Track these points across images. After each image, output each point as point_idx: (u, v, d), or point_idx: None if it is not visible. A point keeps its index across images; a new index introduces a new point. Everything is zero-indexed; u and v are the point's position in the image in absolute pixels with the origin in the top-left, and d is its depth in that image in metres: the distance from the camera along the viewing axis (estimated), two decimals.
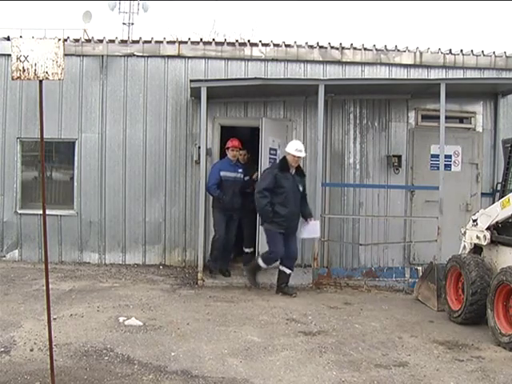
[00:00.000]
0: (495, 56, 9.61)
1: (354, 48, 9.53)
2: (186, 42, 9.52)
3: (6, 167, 9.39)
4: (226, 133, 9.25)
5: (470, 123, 9.70)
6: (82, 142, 9.41)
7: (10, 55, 4.19)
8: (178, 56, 9.44)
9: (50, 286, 4.40)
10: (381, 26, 35.47)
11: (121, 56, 9.41)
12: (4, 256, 9.39)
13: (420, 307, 7.21)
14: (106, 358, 4.91)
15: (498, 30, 37.30)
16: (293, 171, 7.61)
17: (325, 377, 4.68)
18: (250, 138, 9.18)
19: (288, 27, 35.87)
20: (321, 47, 9.52)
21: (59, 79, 4.14)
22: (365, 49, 9.54)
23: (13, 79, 4.13)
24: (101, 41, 9.42)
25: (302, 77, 9.43)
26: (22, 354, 4.90)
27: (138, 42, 9.49)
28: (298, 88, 8.94)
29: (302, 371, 4.78)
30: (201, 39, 9.87)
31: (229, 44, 9.61)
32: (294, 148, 7.54)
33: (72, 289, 7.48)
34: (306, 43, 9.52)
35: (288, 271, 7.59)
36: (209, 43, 9.58)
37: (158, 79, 9.44)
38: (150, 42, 9.46)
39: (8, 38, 9.19)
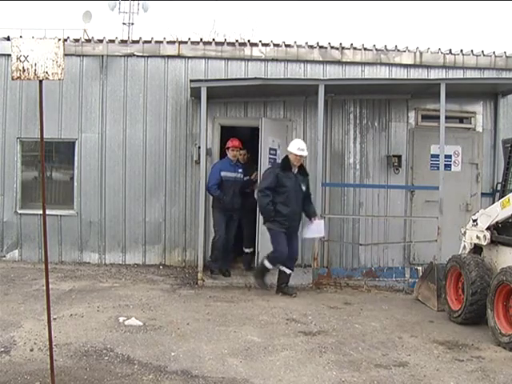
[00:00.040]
0: (495, 56, 9.61)
1: (354, 48, 9.53)
2: (186, 42, 9.52)
3: (6, 167, 9.39)
4: (226, 133, 9.25)
5: (470, 123, 9.70)
6: (82, 142, 9.41)
7: (10, 55, 4.19)
8: (178, 56, 9.44)
9: (50, 286, 4.40)
10: (381, 26, 35.51)
11: (121, 56, 9.41)
12: (4, 256, 9.39)
13: (420, 307, 7.21)
14: (106, 358, 4.91)
15: (498, 30, 37.32)
16: (295, 170, 7.58)
17: (325, 377, 4.68)
18: (249, 138, 9.18)
19: (288, 27, 35.89)
20: (321, 47, 9.52)
21: (59, 79, 4.14)
22: (365, 49, 9.54)
23: (13, 79, 4.13)
24: (101, 41, 9.42)
25: (302, 77, 9.43)
26: (21, 354, 4.90)
27: (138, 41, 9.49)
28: (298, 88, 8.94)
29: (302, 371, 4.78)
30: (201, 39, 9.87)
31: (229, 44, 9.61)
32: (296, 147, 7.53)
33: (72, 289, 7.48)
34: (306, 43, 9.52)
35: (288, 271, 7.59)
36: (209, 43, 9.58)
37: (158, 79, 9.45)
38: (150, 42, 9.46)
39: (8, 38, 9.19)
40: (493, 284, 5.82)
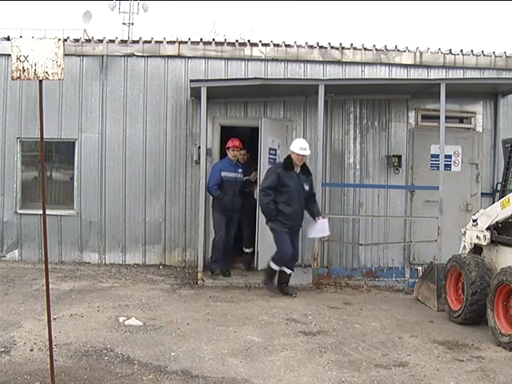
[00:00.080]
0: (495, 56, 9.61)
1: (354, 48, 9.53)
2: (186, 42, 9.52)
3: (6, 167, 9.39)
4: (226, 133, 9.25)
5: (470, 123, 9.70)
6: (82, 142, 9.41)
7: (10, 55, 4.19)
8: (178, 56, 9.44)
9: (50, 286, 4.40)
10: (381, 25, 35.52)
11: (121, 56, 9.41)
12: (4, 256, 9.39)
13: (420, 307, 7.21)
14: (106, 357, 4.91)
15: (498, 30, 37.32)
16: (298, 170, 7.54)
17: (325, 377, 4.68)
18: (249, 138, 9.18)
19: (288, 27, 35.90)
20: (321, 47, 9.52)
21: (59, 79, 4.14)
22: (365, 49, 9.54)
23: (13, 79, 4.13)
24: (101, 41, 9.42)
25: (302, 77, 9.43)
26: (22, 354, 4.90)
27: (138, 42, 9.49)
28: (298, 88, 8.94)
29: (302, 371, 4.78)
30: (201, 39, 9.88)
31: (229, 44, 9.61)
32: (298, 146, 7.49)
33: (72, 289, 7.48)
34: (306, 43, 9.52)
35: (288, 271, 7.58)
36: (209, 43, 9.58)
37: (158, 79, 9.45)
38: (150, 42, 9.46)
39: (8, 38, 9.19)
40: (493, 284, 5.81)
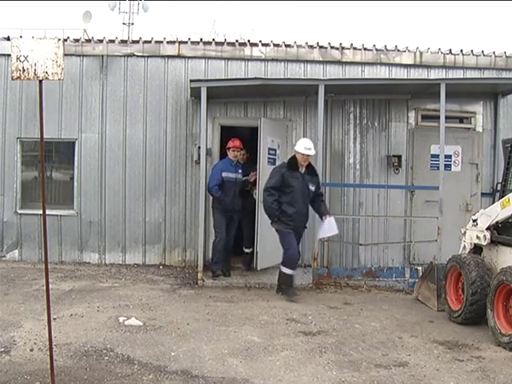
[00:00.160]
0: (495, 56, 9.61)
1: (354, 48, 9.53)
2: (186, 42, 9.52)
3: (6, 167, 9.39)
4: (226, 133, 9.25)
5: (470, 123, 9.71)
6: (82, 142, 9.41)
7: (9, 55, 4.19)
8: (178, 56, 9.44)
9: (50, 286, 4.40)
10: (381, 25, 35.50)
11: (121, 56, 9.41)
12: (4, 256, 9.39)
13: (420, 307, 7.21)
14: (106, 357, 4.91)
15: (498, 30, 37.32)
16: (302, 170, 7.46)
17: (325, 377, 4.68)
18: (250, 138, 9.17)
19: (288, 27, 35.87)
20: (321, 47, 9.52)
21: (59, 79, 4.14)
22: (365, 49, 9.54)
23: (13, 79, 4.13)
24: (101, 41, 9.42)
25: (302, 77, 9.43)
26: (22, 354, 4.90)
27: (138, 42, 9.49)
28: (298, 88, 8.94)
29: (302, 371, 4.78)
30: (201, 39, 9.88)
31: (229, 44, 9.61)
32: (303, 146, 7.41)
33: (72, 289, 7.48)
34: (306, 43, 9.52)
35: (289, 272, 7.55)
36: (209, 43, 9.58)
37: (158, 79, 9.45)
38: (150, 42, 9.46)
39: (8, 38, 9.19)
40: (493, 284, 5.82)
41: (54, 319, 5.75)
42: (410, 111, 9.59)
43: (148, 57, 9.44)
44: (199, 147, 8.69)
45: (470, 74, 9.55)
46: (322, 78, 9.26)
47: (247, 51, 9.46)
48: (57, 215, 9.27)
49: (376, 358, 5.15)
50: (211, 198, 8.52)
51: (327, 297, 7.59)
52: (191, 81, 8.49)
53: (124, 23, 20.10)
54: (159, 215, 9.48)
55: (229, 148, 8.52)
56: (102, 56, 9.37)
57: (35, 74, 4.06)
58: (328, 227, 7.57)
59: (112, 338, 5.41)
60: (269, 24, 36.59)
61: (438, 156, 8.44)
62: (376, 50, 9.56)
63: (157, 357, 4.98)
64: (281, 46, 9.49)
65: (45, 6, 30.48)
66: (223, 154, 8.96)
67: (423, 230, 8.93)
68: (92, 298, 6.96)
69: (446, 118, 8.18)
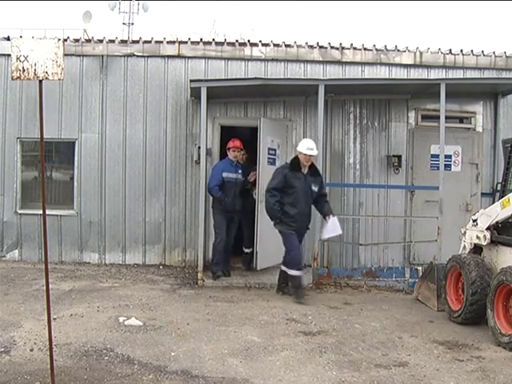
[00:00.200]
0: (495, 56, 9.61)
1: (354, 48, 9.53)
2: (186, 42, 9.52)
3: (6, 167, 9.39)
4: (226, 133, 9.25)
5: (470, 123, 9.71)
6: (82, 142, 9.41)
7: (9, 55, 4.19)
8: (178, 56, 9.44)
9: (50, 286, 4.40)
10: (381, 25, 35.51)
11: (121, 56, 9.42)
12: (4, 256, 9.39)
13: (420, 307, 7.21)
14: (106, 357, 4.91)
15: (498, 30, 37.33)
16: (305, 171, 7.40)
17: (325, 377, 4.68)
18: (250, 138, 9.17)
19: (288, 27, 35.87)
20: (321, 47, 9.52)
21: (59, 79, 4.14)
22: (365, 49, 9.55)
23: (13, 79, 4.13)
24: (101, 41, 9.42)
25: (302, 77, 9.43)
26: (22, 354, 4.90)
27: (138, 42, 9.50)
28: (298, 88, 8.94)
29: (302, 371, 4.78)
30: (201, 39, 9.88)
31: (229, 44, 9.61)
32: (305, 146, 7.35)
33: (72, 289, 7.48)
34: (306, 43, 9.52)
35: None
36: (209, 43, 9.58)
37: (158, 79, 9.45)
38: (150, 42, 9.46)
39: (8, 38, 9.20)
40: (493, 284, 5.81)
41: (54, 319, 5.76)
42: (410, 111, 9.59)
43: (148, 57, 9.45)
44: (199, 147, 8.69)
45: (470, 74, 9.55)
46: (322, 78, 9.26)
47: (247, 51, 9.46)
48: (57, 215, 9.27)
49: (376, 358, 5.15)
50: (211, 198, 8.51)
51: (327, 297, 7.59)
52: (191, 81, 8.49)
53: (124, 23, 20.11)
54: (159, 215, 9.48)
55: (229, 148, 8.51)
56: (102, 56, 9.38)
57: (35, 74, 4.06)
58: (332, 227, 7.51)
59: (112, 338, 5.41)
60: (269, 24, 36.65)
61: (438, 156, 8.44)
62: (376, 49, 9.56)
63: (157, 357, 4.98)
64: (281, 46, 9.49)
65: (45, 6, 30.53)
66: (223, 154, 8.96)
67: (423, 229, 8.93)
68: (92, 298, 6.96)
69: (446, 117, 8.18)
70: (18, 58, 4.04)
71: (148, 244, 9.48)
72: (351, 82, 8.99)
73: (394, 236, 9.33)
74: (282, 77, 9.37)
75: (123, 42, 9.60)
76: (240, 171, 8.54)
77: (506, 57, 9.63)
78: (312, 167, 7.50)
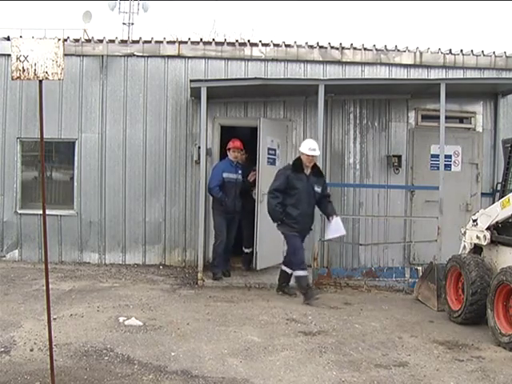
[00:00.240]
0: (495, 56, 9.62)
1: (354, 48, 9.53)
2: (186, 42, 9.52)
3: (6, 167, 9.39)
4: (226, 133, 9.25)
5: (470, 123, 9.71)
6: (82, 142, 9.41)
7: (9, 55, 4.19)
8: (178, 56, 9.44)
9: (50, 285, 4.39)
10: (381, 25, 35.51)
11: (121, 56, 9.42)
12: (4, 256, 9.39)
13: (420, 307, 7.21)
14: (106, 357, 4.91)
15: (498, 30, 37.33)
16: (308, 171, 7.35)
17: (325, 377, 4.68)
18: (250, 138, 9.17)
19: (288, 27, 35.89)
20: (321, 47, 9.52)
21: (59, 79, 4.14)
22: (365, 49, 9.55)
23: (13, 79, 4.13)
24: (101, 41, 9.42)
25: (302, 77, 9.43)
26: (22, 354, 4.90)
27: (138, 42, 9.50)
28: (298, 88, 8.94)
29: (302, 371, 4.78)
30: (201, 39, 9.88)
31: (229, 44, 9.61)
32: (307, 147, 7.30)
33: (72, 289, 7.48)
34: (306, 43, 9.52)
35: (290, 271, 7.52)
36: (209, 43, 9.59)
37: (158, 79, 9.45)
38: (150, 42, 9.46)
39: (8, 38, 9.20)
40: (493, 284, 5.82)
41: (54, 319, 5.75)
42: (410, 111, 9.59)
43: (148, 57, 9.45)
44: (199, 147, 8.69)
45: (470, 74, 9.55)
46: (322, 78, 9.26)
47: (247, 51, 9.46)
48: (57, 215, 9.27)
49: (376, 358, 5.15)
50: (211, 198, 8.49)
51: (327, 297, 7.58)
52: (191, 81, 8.49)
53: (124, 23, 20.11)
54: (159, 215, 9.48)
55: (229, 149, 8.48)
56: (102, 56, 9.38)
57: (35, 74, 4.06)
58: (335, 228, 7.47)
59: (112, 338, 5.41)
60: (269, 24, 36.68)
61: (438, 156, 8.44)
62: (376, 49, 9.56)
63: (157, 357, 4.98)
64: (281, 46, 9.49)
65: (45, 6, 30.54)
66: (223, 154, 8.95)
67: (423, 229, 8.93)
68: (92, 298, 6.96)
69: (446, 117, 8.18)
70: (17, 58, 4.04)
71: (148, 244, 9.48)
72: (351, 82, 8.99)
73: (393, 236, 9.33)
74: (282, 77, 9.37)
75: (123, 41, 9.61)
76: (240, 171, 8.53)
77: (506, 57, 9.63)
78: (315, 168, 7.45)
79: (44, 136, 4.38)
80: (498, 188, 7.54)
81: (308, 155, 7.28)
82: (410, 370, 4.86)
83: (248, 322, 6.18)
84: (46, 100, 4.69)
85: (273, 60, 9.48)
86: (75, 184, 9.45)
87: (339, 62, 9.52)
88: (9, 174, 9.40)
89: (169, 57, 9.45)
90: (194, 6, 38.22)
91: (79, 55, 9.34)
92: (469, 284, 6.16)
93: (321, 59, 9.49)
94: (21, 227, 9.38)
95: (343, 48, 9.51)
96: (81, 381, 4.39)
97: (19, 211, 9.40)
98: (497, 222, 6.35)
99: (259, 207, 8.31)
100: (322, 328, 6.06)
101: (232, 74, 9.41)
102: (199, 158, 8.60)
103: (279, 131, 9.20)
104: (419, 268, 8.15)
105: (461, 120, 9.76)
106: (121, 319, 6.02)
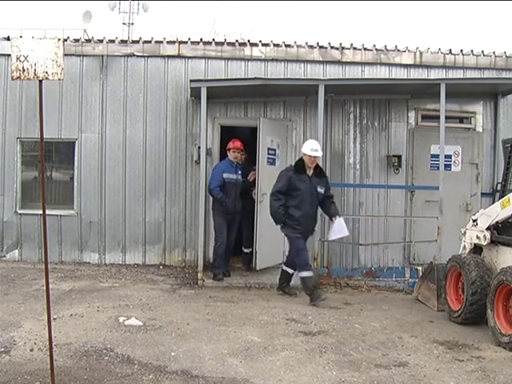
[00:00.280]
0: (495, 56, 9.61)
1: (354, 48, 9.53)
2: (186, 42, 9.52)
3: (6, 167, 9.39)
4: (226, 133, 9.25)
5: (470, 123, 9.71)
6: (82, 142, 9.41)
7: (9, 55, 4.19)
8: (178, 56, 9.44)
9: (50, 286, 4.39)
10: (381, 25, 35.52)
11: (121, 56, 9.41)
12: (4, 256, 9.39)
13: (420, 307, 7.22)
14: (106, 357, 4.91)
15: (498, 30, 37.33)
16: (310, 172, 7.31)
17: (325, 377, 4.68)
18: (250, 138, 9.17)
19: (288, 27, 35.90)
20: (321, 47, 9.52)
21: (59, 79, 4.14)
22: (365, 49, 9.54)
23: (13, 79, 4.13)
24: (101, 41, 9.42)
25: (302, 77, 9.43)
26: (22, 354, 4.90)
27: (138, 42, 9.49)
28: (298, 88, 8.94)
29: (302, 371, 4.78)
30: (201, 39, 9.88)
31: (229, 44, 9.61)
32: (310, 148, 7.26)
33: (72, 289, 7.48)
34: (306, 43, 9.52)
35: (291, 271, 7.54)
36: (209, 43, 9.58)
37: (158, 79, 9.45)
38: (150, 42, 9.46)
39: (8, 38, 9.19)
40: (493, 284, 5.82)
41: (54, 319, 5.75)
42: (410, 111, 9.59)
43: (148, 57, 9.45)
44: (199, 147, 8.69)
45: (470, 74, 9.55)
46: (322, 78, 9.26)
47: (247, 51, 9.46)
48: (57, 215, 9.27)
49: (376, 358, 5.15)
50: (211, 198, 8.48)
51: (327, 297, 7.58)
52: (191, 81, 8.49)
53: (124, 23, 20.13)
54: (159, 215, 9.48)
55: (229, 149, 8.47)
56: (102, 56, 9.37)
57: (35, 74, 4.06)
58: (338, 228, 7.41)
59: (112, 338, 5.41)
60: (269, 24, 36.68)
61: (438, 156, 8.44)
62: (376, 49, 9.56)
63: (157, 357, 4.98)
64: (281, 46, 9.49)
65: (45, 6, 30.53)
66: (223, 154, 8.94)
67: (423, 229, 8.93)
68: (92, 298, 6.96)
69: (446, 117, 8.19)
70: (17, 58, 4.04)
71: (148, 244, 9.48)
72: (351, 82, 8.99)
73: (393, 236, 9.33)
74: (282, 77, 9.37)
75: (123, 41, 9.60)
76: (240, 172, 8.52)
77: (506, 57, 9.63)
78: (317, 168, 7.41)
79: (44, 136, 4.38)
80: (498, 188, 7.54)
81: (310, 156, 7.25)
82: (409, 370, 4.86)
83: (248, 321, 6.18)
84: (45, 100, 4.69)
85: (273, 60, 9.47)
86: (75, 184, 9.45)
87: (339, 62, 9.52)
88: (9, 174, 9.40)
89: (169, 57, 9.45)
90: (194, 6, 38.25)
91: (79, 55, 9.34)
92: (469, 284, 6.16)
93: (321, 59, 9.49)
94: (21, 227, 9.38)
95: (343, 48, 9.51)
96: (81, 381, 4.39)
97: (19, 211, 9.40)
98: (497, 222, 6.35)
99: (259, 207, 8.31)
100: (322, 328, 6.06)
101: (232, 74, 9.41)
102: (199, 158, 8.60)
103: (279, 131, 9.20)
104: (419, 268, 8.16)
105: (461, 120, 9.76)
106: (121, 319, 6.02)
